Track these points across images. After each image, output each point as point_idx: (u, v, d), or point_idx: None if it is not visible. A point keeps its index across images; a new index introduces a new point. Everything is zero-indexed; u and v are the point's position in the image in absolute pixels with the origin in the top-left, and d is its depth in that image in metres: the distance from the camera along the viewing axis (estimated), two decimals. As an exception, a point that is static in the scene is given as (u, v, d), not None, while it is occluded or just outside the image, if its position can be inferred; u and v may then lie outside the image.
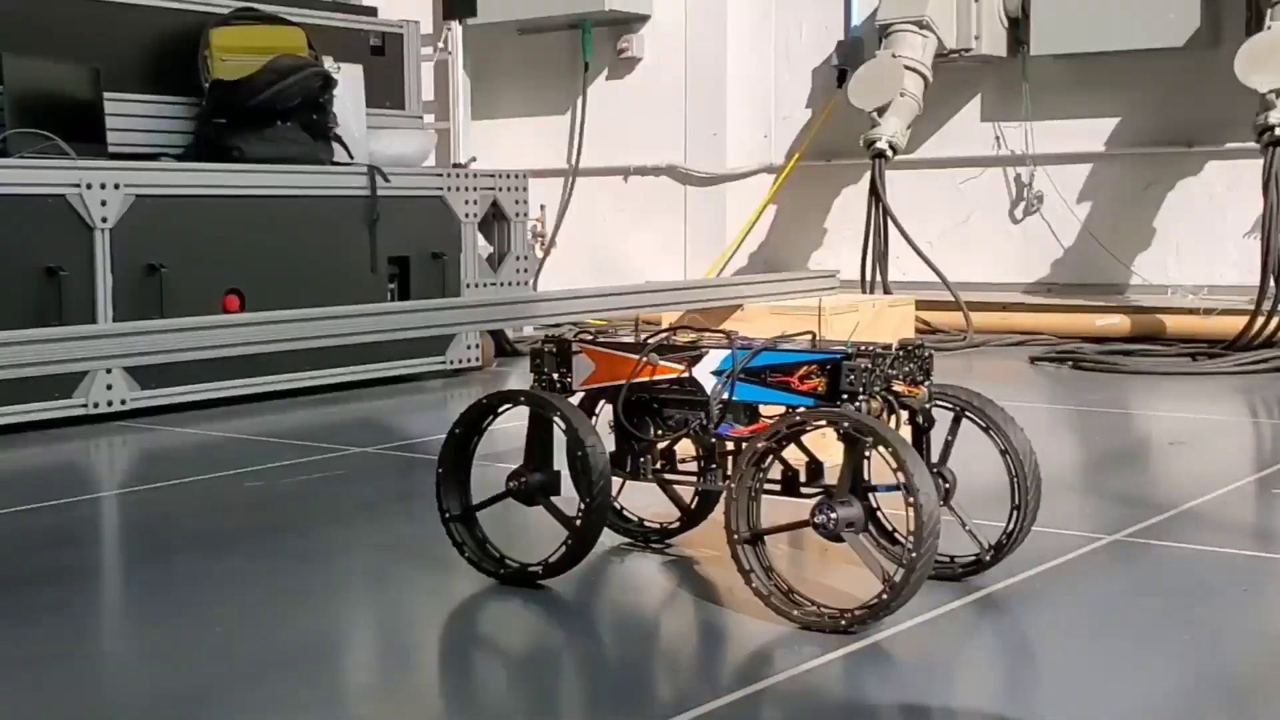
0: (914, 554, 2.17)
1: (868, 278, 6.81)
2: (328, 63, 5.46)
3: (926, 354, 2.42)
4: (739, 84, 8.00)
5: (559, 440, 2.55)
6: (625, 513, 2.84)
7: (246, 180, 4.96)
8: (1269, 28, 5.88)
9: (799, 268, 7.71)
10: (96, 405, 4.51)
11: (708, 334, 2.59)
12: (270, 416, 4.69)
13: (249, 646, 2.30)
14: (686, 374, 2.51)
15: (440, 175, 5.63)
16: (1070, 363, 5.88)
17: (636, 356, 2.56)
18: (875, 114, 6.77)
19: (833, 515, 2.25)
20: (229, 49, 5.23)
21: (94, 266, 4.51)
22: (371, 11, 6.18)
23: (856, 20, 7.67)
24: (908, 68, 6.80)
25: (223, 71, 5.17)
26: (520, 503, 2.59)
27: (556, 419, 2.51)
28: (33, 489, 3.57)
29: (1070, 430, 4.47)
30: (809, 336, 2.50)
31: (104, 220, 4.52)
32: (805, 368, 2.38)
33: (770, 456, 2.33)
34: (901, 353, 2.39)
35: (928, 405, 2.44)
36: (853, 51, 7.56)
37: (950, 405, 2.50)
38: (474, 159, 6.57)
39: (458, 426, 2.63)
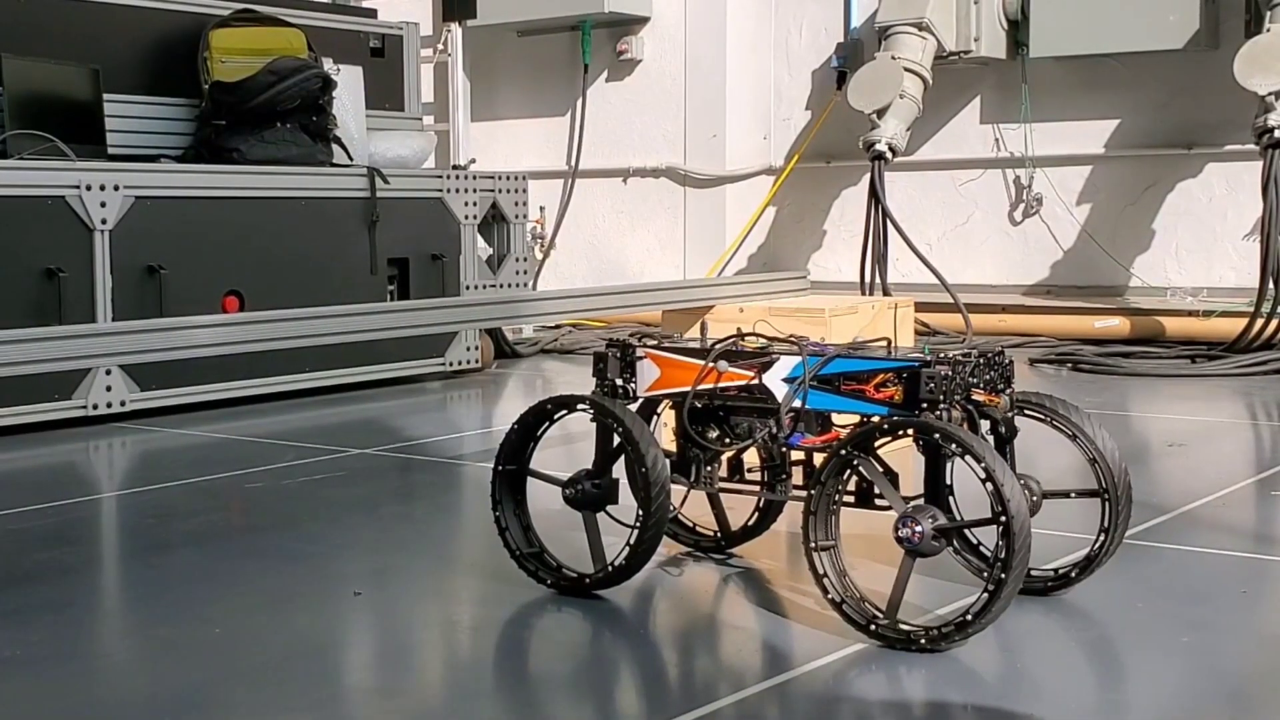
0: (1003, 573, 2.08)
1: (867, 279, 6.81)
2: (327, 64, 5.46)
3: (1007, 361, 2.34)
4: (738, 86, 8.00)
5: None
6: (683, 519, 2.76)
7: (246, 182, 4.96)
8: (1268, 30, 5.88)
9: (799, 269, 7.71)
10: (96, 406, 4.51)
11: (778, 340, 2.49)
12: (270, 418, 4.69)
13: (247, 647, 2.30)
14: (756, 380, 2.43)
15: (440, 177, 5.63)
16: (1069, 365, 5.89)
17: (703, 362, 2.48)
18: (874, 116, 6.77)
19: (918, 529, 2.15)
20: (229, 50, 5.23)
21: (93, 268, 4.51)
22: (371, 13, 6.18)
23: (856, 22, 7.67)
24: (907, 69, 6.80)
25: (222, 73, 5.17)
26: (577, 510, 2.52)
27: (616, 428, 2.45)
28: (33, 489, 3.57)
29: (1069, 432, 4.46)
30: (884, 342, 2.42)
31: (103, 221, 4.52)
32: (881, 375, 2.29)
33: (853, 464, 2.23)
34: (982, 360, 2.30)
35: (1010, 414, 2.36)
36: (852, 53, 7.57)
37: (1037, 415, 2.42)
38: (473, 161, 6.57)
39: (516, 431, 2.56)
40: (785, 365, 2.40)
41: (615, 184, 8.44)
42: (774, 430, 2.41)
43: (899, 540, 2.16)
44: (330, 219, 5.21)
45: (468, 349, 5.65)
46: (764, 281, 4.07)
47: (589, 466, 2.51)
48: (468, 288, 5.62)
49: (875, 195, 6.77)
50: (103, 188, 4.53)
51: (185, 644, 2.30)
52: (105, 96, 5.00)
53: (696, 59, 8.07)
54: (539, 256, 8.36)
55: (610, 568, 2.45)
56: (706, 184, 8.11)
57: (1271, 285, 5.79)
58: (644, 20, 8.20)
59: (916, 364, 2.26)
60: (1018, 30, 7.06)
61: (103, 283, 4.52)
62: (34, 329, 2.61)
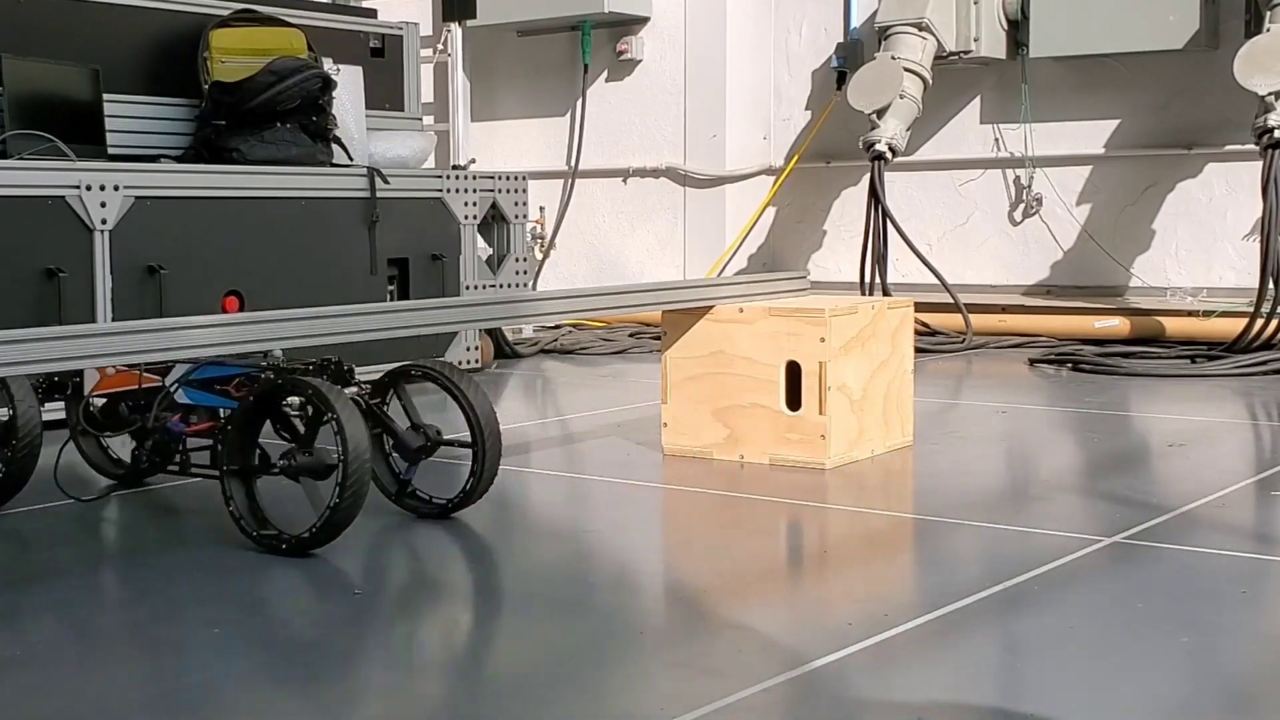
0: (341, 483, 2.73)
1: (867, 280, 6.82)
2: (327, 64, 5.46)
3: (346, 369, 3.05)
4: (738, 86, 8.01)
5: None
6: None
7: (246, 182, 4.96)
8: (1268, 30, 5.89)
9: (799, 269, 7.72)
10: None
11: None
12: (269, 418, 4.68)
13: (247, 647, 2.30)
14: (160, 384, 3.22)
15: (440, 177, 5.63)
16: (1069, 365, 5.89)
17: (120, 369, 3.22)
18: (874, 116, 6.78)
19: (291, 462, 2.85)
20: (228, 50, 5.23)
21: (93, 268, 4.51)
22: (371, 13, 6.18)
23: (856, 22, 7.68)
24: (907, 70, 6.81)
25: (222, 73, 5.17)
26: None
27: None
28: (32, 489, 3.57)
29: (1069, 432, 4.47)
30: (261, 355, 3.09)
31: (103, 222, 4.53)
32: (237, 379, 3.08)
33: (257, 409, 2.91)
34: (313, 365, 3.01)
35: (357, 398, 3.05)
36: (852, 53, 7.57)
37: (433, 379, 3.18)
38: (473, 161, 6.58)
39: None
40: (177, 372, 3.19)
41: (615, 184, 8.44)
42: (154, 420, 3.17)
43: (276, 468, 2.88)
44: (330, 219, 5.21)
45: (468, 349, 5.65)
46: (764, 282, 4.07)
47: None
48: (468, 288, 5.63)
49: (875, 195, 6.78)
50: (103, 188, 4.53)
51: (185, 644, 2.30)
52: (105, 96, 4.99)
53: (696, 59, 8.07)
54: (539, 256, 8.36)
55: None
56: (706, 184, 8.12)
57: (1271, 285, 5.79)
58: (644, 20, 8.21)
59: (252, 370, 3.05)
60: (1018, 30, 7.07)
61: (103, 283, 4.52)
62: (34, 329, 2.61)
